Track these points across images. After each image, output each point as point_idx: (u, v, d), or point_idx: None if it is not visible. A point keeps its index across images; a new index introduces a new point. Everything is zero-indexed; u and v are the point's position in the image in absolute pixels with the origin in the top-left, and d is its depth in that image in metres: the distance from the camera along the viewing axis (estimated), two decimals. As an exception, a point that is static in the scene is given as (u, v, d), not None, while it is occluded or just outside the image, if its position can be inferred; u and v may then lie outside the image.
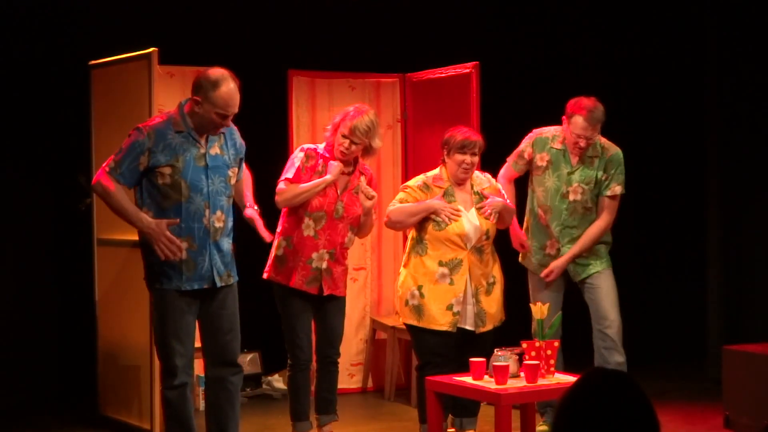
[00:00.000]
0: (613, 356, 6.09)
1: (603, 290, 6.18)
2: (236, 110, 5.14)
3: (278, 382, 7.66)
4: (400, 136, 7.86)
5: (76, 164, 7.19)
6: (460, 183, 5.85)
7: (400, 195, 5.89)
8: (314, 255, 5.88)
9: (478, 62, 7.13)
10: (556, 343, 5.41)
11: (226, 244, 5.27)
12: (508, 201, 5.96)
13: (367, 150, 5.92)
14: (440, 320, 5.73)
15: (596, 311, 6.19)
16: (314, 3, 8.02)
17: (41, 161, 7.43)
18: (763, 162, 7.88)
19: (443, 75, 7.43)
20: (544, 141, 6.19)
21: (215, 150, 5.21)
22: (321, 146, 5.98)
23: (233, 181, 5.30)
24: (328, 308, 5.99)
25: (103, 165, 5.11)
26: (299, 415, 6.03)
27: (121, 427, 6.63)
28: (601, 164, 6.15)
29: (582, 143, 6.03)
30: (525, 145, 6.24)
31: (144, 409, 6.47)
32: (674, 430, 6.45)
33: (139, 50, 6.49)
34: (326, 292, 5.91)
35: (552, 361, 5.32)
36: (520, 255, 6.36)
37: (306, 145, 6.08)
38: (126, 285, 6.56)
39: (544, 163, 6.16)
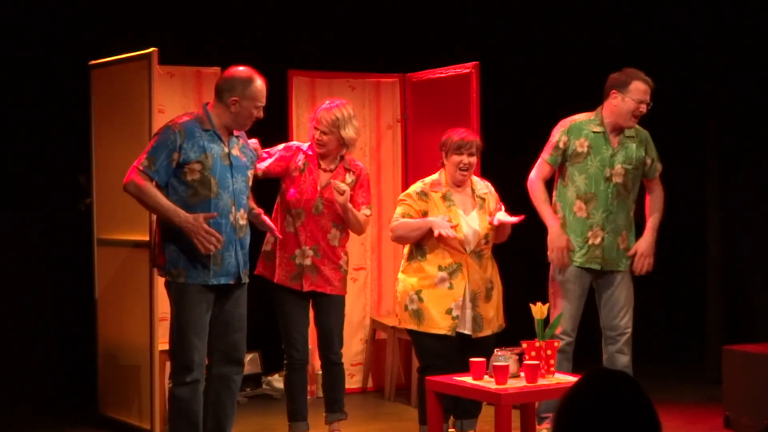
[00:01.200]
0: (621, 360, 6.08)
1: (623, 297, 6.11)
2: None
3: (278, 382, 7.65)
4: (400, 136, 7.86)
5: (76, 164, 7.18)
6: (458, 185, 5.84)
7: (400, 208, 5.86)
8: (297, 251, 5.90)
9: (478, 62, 7.13)
10: (557, 343, 5.41)
11: (247, 242, 5.35)
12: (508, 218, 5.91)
13: (343, 142, 5.91)
14: (440, 324, 5.73)
15: (612, 318, 6.11)
16: (314, 3, 8.02)
17: (41, 161, 7.43)
18: (764, 162, 7.88)
19: (443, 75, 7.43)
20: (579, 126, 6.04)
21: (236, 151, 5.32)
22: (306, 144, 6.02)
23: (251, 183, 5.42)
24: (322, 307, 5.99)
25: (134, 164, 5.14)
26: (295, 416, 6.05)
27: (121, 427, 6.63)
28: (641, 145, 6.09)
29: (643, 108, 5.95)
30: (558, 134, 6.05)
31: (144, 409, 6.47)
32: (674, 430, 6.45)
33: (139, 50, 6.49)
34: (306, 288, 5.90)
35: (552, 361, 5.32)
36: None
37: (292, 142, 6.14)
38: (126, 285, 6.56)
39: (585, 149, 6.02)
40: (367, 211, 6.00)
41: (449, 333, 5.72)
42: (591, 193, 6.03)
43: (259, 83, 5.28)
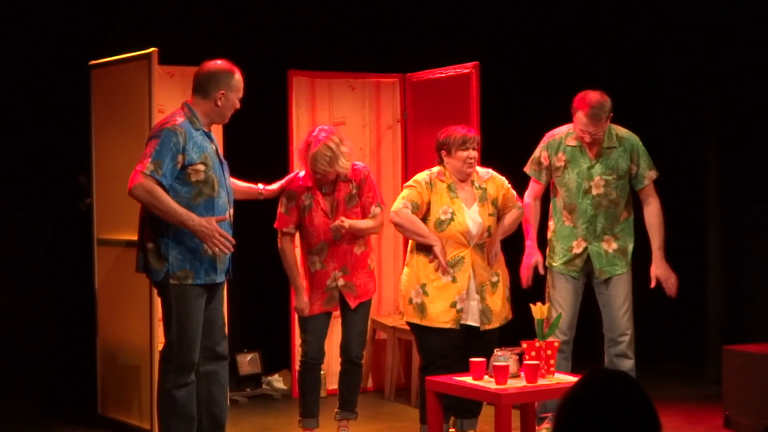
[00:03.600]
0: (624, 363, 6.09)
1: (620, 298, 6.13)
2: None
3: (278, 382, 7.66)
4: (400, 136, 7.86)
5: (76, 164, 7.18)
6: (464, 179, 5.85)
7: (406, 191, 5.86)
8: (328, 282, 5.99)
9: (478, 62, 7.13)
10: (556, 343, 5.41)
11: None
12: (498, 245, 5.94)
13: (339, 173, 5.92)
14: (443, 317, 5.74)
15: (611, 320, 6.14)
16: (314, 3, 8.02)
17: (41, 161, 7.43)
18: (764, 162, 7.88)
19: (443, 75, 7.43)
20: (558, 142, 6.11)
21: (218, 148, 5.34)
22: (302, 173, 6.02)
23: None
24: (353, 312, 6.07)
25: (137, 169, 5.06)
26: (304, 413, 6.14)
27: (121, 427, 6.63)
28: (625, 154, 6.07)
29: (586, 138, 5.99)
30: (539, 150, 6.16)
31: (144, 409, 6.47)
32: (674, 430, 6.45)
33: (139, 50, 6.49)
34: (353, 305, 6.01)
35: (552, 361, 5.32)
36: (547, 259, 6.25)
37: (291, 176, 6.12)
38: (126, 285, 6.55)
39: (562, 163, 6.08)
40: (377, 210, 6.00)
41: (453, 326, 5.74)
42: (572, 204, 6.11)
43: (238, 73, 5.30)
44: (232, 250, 5.17)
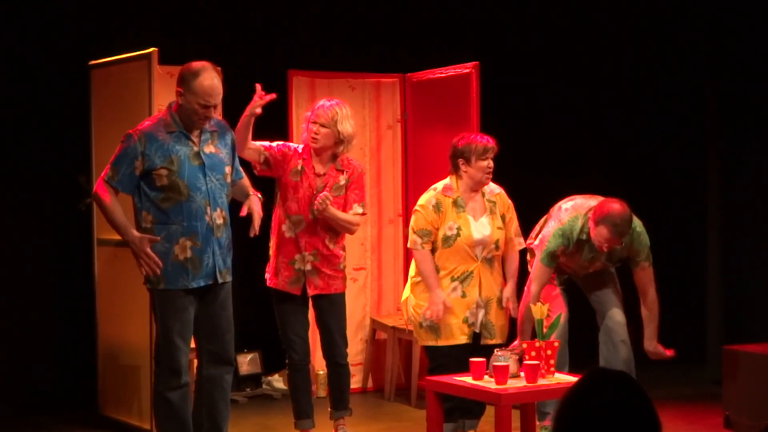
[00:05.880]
0: (620, 351, 6.10)
1: (613, 291, 6.20)
2: (218, 101, 5.19)
3: (278, 382, 7.66)
4: (400, 136, 7.86)
5: (76, 164, 7.18)
6: (477, 189, 5.82)
7: (413, 220, 5.86)
8: (297, 256, 5.92)
9: (478, 62, 7.13)
10: (556, 343, 5.42)
11: (226, 240, 5.30)
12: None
13: (339, 139, 5.89)
14: (458, 333, 5.78)
15: (602, 310, 6.20)
16: (314, 3, 8.02)
17: (41, 161, 7.43)
18: (764, 163, 7.88)
19: (443, 75, 7.42)
20: (574, 236, 5.93)
21: (210, 148, 5.25)
22: (301, 146, 6.03)
23: (230, 179, 5.34)
24: (324, 309, 6.02)
25: (102, 174, 5.17)
26: (298, 414, 6.11)
27: (121, 427, 6.63)
28: (625, 248, 6.02)
29: (605, 248, 5.89)
30: (554, 244, 5.90)
31: (144, 409, 6.47)
32: (674, 430, 6.45)
33: (139, 50, 6.49)
34: (311, 293, 5.94)
35: (552, 361, 5.32)
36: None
37: (290, 143, 6.19)
38: (126, 285, 6.55)
39: (573, 248, 6.00)
40: (359, 209, 5.97)
41: (469, 341, 5.76)
42: (569, 270, 6.16)
43: (206, 79, 5.11)
44: (157, 272, 5.10)
